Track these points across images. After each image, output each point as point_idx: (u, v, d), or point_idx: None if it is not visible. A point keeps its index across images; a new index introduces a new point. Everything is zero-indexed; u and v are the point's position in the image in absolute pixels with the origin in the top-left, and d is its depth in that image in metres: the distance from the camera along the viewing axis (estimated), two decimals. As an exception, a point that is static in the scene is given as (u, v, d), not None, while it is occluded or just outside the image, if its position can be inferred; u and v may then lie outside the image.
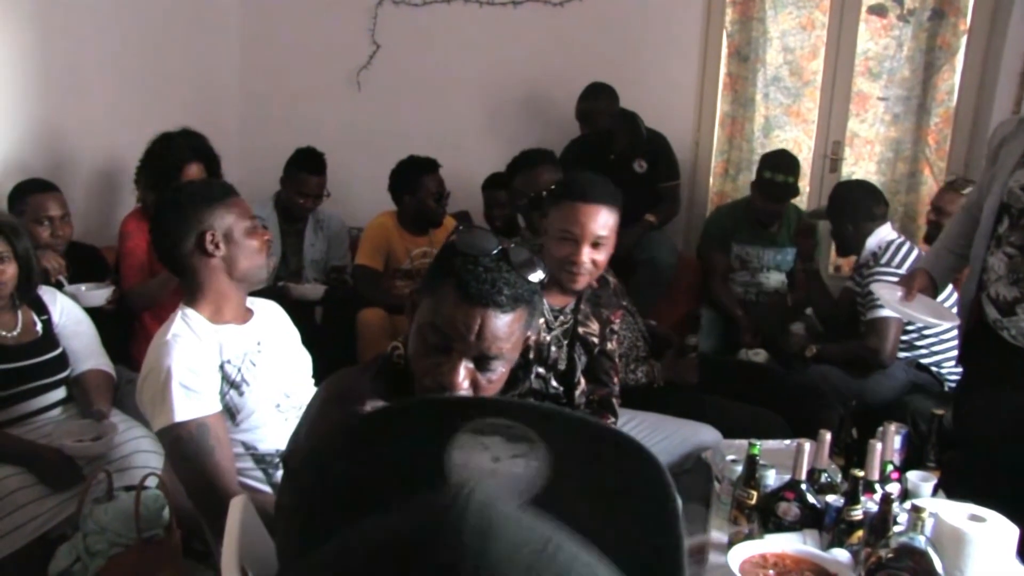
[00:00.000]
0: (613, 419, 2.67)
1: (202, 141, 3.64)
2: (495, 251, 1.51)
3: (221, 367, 2.14)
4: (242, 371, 2.17)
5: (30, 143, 3.82)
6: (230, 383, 2.14)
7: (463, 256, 1.49)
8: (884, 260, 3.48)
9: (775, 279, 4.33)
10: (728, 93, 4.85)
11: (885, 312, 3.34)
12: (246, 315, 2.30)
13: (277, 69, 5.20)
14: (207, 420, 2.06)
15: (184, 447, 2.05)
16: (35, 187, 3.37)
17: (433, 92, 5.03)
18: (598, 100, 4.42)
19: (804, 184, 4.61)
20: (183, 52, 4.70)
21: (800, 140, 4.76)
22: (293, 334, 2.45)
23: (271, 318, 2.39)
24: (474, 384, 1.50)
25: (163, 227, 2.20)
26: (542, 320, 2.44)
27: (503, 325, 1.49)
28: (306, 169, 4.29)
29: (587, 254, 2.40)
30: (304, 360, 2.43)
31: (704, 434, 2.92)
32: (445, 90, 5.02)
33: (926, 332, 3.50)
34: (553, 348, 2.56)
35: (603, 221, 2.41)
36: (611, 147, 4.48)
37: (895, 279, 3.14)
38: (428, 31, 5.01)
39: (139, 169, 3.65)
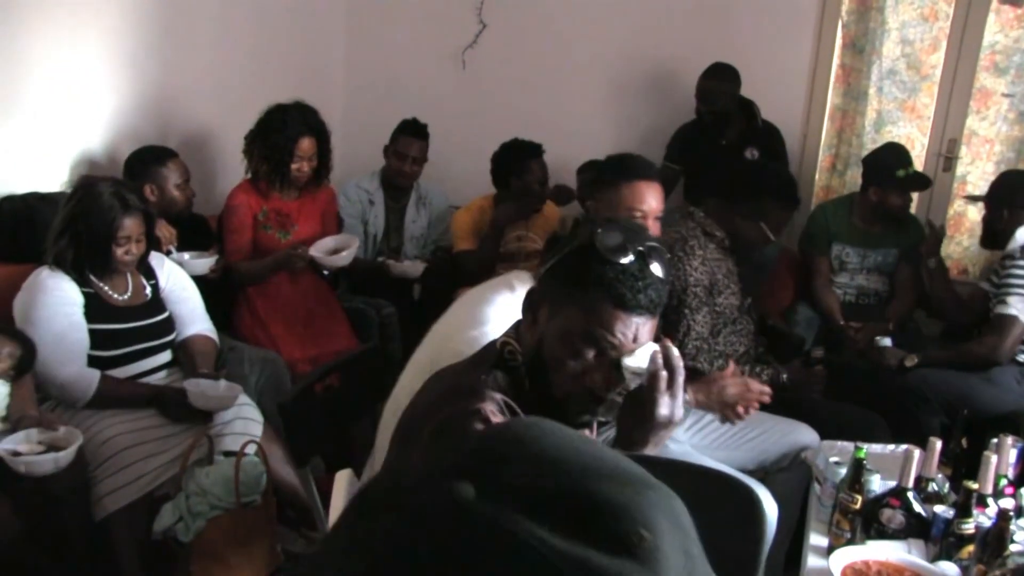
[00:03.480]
0: None
1: (315, 115, 3.69)
2: (637, 253, 1.52)
3: None
4: None
5: (142, 109, 3.91)
6: None
7: (607, 263, 1.50)
8: None
9: (875, 281, 4.17)
10: (840, 85, 4.71)
11: (1016, 311, 3.23)
12: None
13: (383, 45, 5.24)
14: None
15: None
16: (165, 154, 3.47)
17: (538, 74, 5.00)
18: (723, 80, 4.36)
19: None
20: (291, 25, 4.77)
21: (913, 136, 4.59)
22: None
23: None
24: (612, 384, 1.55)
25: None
26: None
27: (651, 329, 1.55)
28: (409, 132, 4.30)
29: (654, 230, 2.48)
30: None
31: (802, 433, 2.86)
32: (550, 72, 4.99)
33: None
34: None
35: (659, 196, 2.53)
36: (725, 132, 4.43)
37: None
38: (535, 11, 4.98)
39: (250, 140, 3.70)
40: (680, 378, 1.55)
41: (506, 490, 0.54)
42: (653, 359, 1.53)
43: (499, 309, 2.07)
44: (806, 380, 3.13)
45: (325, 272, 3.80)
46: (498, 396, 1.53)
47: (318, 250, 3.68)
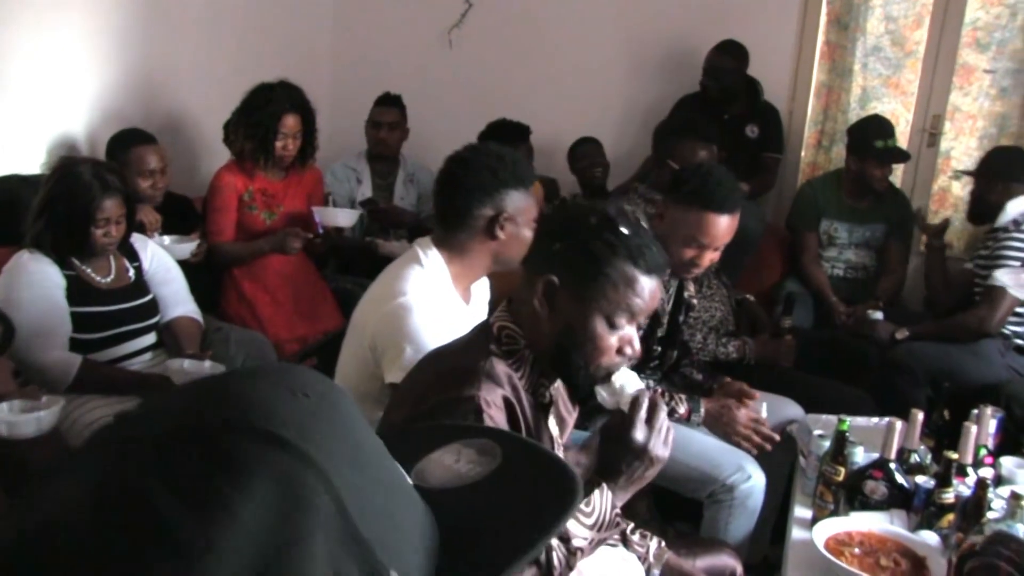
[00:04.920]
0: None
1: (299, 93, 3.67)
2: (637, 221, 1.61)
3: None
4: None
5: (126, 90, 3.89)
6: None
7: (617, 235, 1.55)
8: None
9: (864, 256, 4.19)
10: (825, 62, 4.72)
11: (1006, 283, 3.27)
12: (468, 295, 2.27)
13: (369, 25, 5.22)
14: None
15: None
16: (136, 139, 3.43)
17: (524, 52, 4.99)
18: (732, 57, 4.39)
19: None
20: (277, 5, 4.74)
21: (898, 112, 4.60)
22: None
23: (482, 300, 2.37)
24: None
25: (477, 176, 2.15)
26: None
27: (661, 288, 1.62)
28: (381, 102, 4.37)
29: (710, 257, 2.51)
30: None
31: (788, 409, 2.88)
32: (537, 51, 4.97)
33: None
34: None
35: (731, 227, 2.50)
36: (727, 108, 4.46)
37: None
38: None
39: (234, 119, 3.68)
40: (662, 414, 1.57)
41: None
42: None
43: (412, 282, 2.10)
44: (776, 350, 3.17)
45: (320, 232, 3.77)
46: (502, 384, 1.56)
47: (321, 213, 3.72)
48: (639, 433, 1.54)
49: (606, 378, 1.60)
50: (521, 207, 2.15)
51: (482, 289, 2.37)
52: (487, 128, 4.20)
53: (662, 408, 1.57)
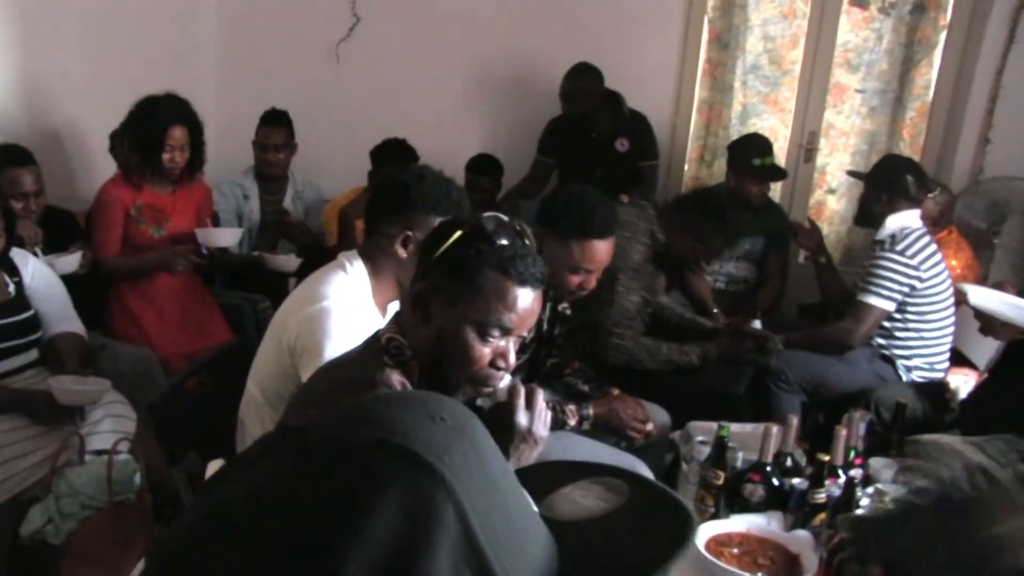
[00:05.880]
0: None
1: (186, 105, 3.61)
2: (516, 232, 1.60)
3: None
4: None
5: (7, 105, 3.78)
6: None
7: (490, 244, 1.55)
8: (900, 247, 3.37)
9: (744, 269, 4.34)
10: (707, 79, 4.87)
11: (873, 300, 3.35)
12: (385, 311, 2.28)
13: (255, 39, 5.13)
14: None
15: None
16: (10, 160, 3.31)
17: (414, 67, 4.99)
18: (585, 80, 4.43)
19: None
20: (160, 18, 4.63)
21: (776, 129, 4.79)
22: None
23: None
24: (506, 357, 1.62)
25: (389, 198, 2.21)
26: None
27: (538, 301, 1.61)
28: (267, 122, 4.33)
29: (594, 280, 2.60)
30: None
31: (656, 416, 2.92)
32: (426, 66, 4.98)
33: (918, 327, 3.45)
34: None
35: (611, 248, 2.60)
36: (594, 126, 4.52)
37: (904, 268, 3.30)
38: (410, 5, 4.98)
39: (120, 131, 3.62)
40: (539, 395, 1.61)
41: None
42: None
43: (334, 287, 2.13)
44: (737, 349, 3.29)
45: (204, 253, 3.71)
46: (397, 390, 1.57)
47: (204, 235, 3.65)
48: (522, 417, 1.57)
49: (488, 395, 1.64)
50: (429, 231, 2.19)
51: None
52: (375, 149, 4.19)
53: (538, 392, 1.61)
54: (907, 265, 3.34)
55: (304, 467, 0.68)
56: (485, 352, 1.59)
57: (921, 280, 3.37)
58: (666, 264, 3.31)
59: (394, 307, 2.31)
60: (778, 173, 4.23)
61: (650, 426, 2.69)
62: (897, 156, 4.01)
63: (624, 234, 3.00)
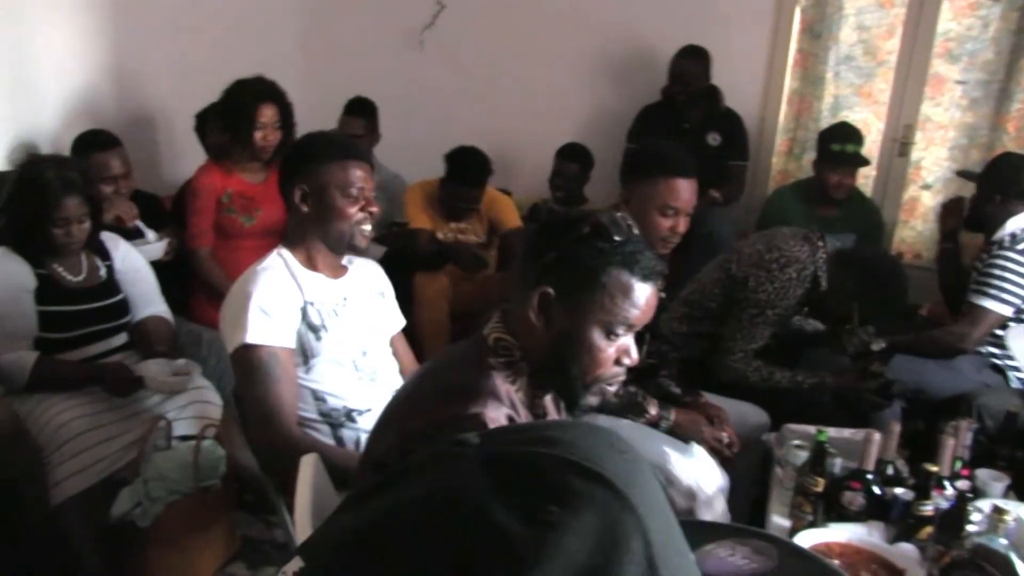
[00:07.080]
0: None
1: (276, 86, 3.60)
2: (629, 227, 1.58)
3: (303, 308, 2.19)
4: (323, 316, 2.21)
5: (96, 89, 3.82)
6: (309, 325, 2.19)
7: (611, 242, 1.54)
8: (1022, 246, 3.17)
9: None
10: (798, 70, 4.75)
11: (989, 303, 3.14)
12: (338, 271, 2.33)
13: (340, 25, 5.15)
14: (278, 351, 2.12)
15: (252, 371, 2.11)
16: (98, 143, 3.35)
17: (499, 56, 4.97)
18: (697, 62, 4.42)
19: (871, 170, 4.51)
20: (245, 5, 4.67)
21: (869, 122, 4.64)
22: (385, 297, 2.48)
23: (365, 277, 2.42)
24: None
25: (284, 167, 2.29)
26: None
27: (656, 296, 1.60)
28: (349, 112, 4.36)
29: (684, 224, 2.54)
30: (390, 323, 2.48)
31: (753, 416, 2.88)
32: (512, 54, 4.96)
33: None
34: None
35: (695, 191, 2.56)
36: (687, 116, 4.48)
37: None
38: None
39: (208, 113, 3.64)
40: None
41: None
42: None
43: (250, 272, 2.21)
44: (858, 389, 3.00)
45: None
46: (503, 401, 1.53)
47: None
48: None
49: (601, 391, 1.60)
50: (323, 182, 2.21)
51: (367, 267, 2.45)
52: (457, 152, 4.10)
53: None
54: None
55: (492, 480, 0.66)
56: (611, 352, 1.57)
57: None
58: (815, 310, 3.17)
59: (361, 266, 2.41)
60: (856, 160, 4.10)
61: (735, 449, 2.61)
62: (1013, 154, 3.69)
63: (791, 273, 2.88)
